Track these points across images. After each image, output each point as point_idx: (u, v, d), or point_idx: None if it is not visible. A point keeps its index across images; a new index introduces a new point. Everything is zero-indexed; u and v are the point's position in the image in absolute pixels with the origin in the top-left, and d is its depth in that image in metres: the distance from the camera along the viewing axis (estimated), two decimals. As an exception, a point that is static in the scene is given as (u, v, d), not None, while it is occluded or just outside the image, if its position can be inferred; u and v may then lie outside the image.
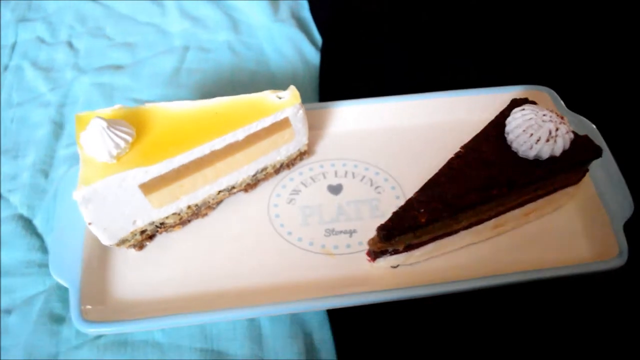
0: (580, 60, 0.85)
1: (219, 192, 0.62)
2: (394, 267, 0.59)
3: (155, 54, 0.85)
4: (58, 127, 0.75)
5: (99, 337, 0.57)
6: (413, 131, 0.71)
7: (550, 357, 0.56)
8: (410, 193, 0.63)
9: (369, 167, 0.67)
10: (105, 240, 0.57)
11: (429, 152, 0.68)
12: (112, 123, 0.52)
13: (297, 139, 0.64)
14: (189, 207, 0.61)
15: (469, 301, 0.58)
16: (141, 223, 0.58)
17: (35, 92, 0.80)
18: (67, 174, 0.63)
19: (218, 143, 0.56)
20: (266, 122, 0.58)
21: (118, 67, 0.83)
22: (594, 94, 0.78)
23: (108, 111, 0.57)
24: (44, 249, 0.64)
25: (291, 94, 0.60)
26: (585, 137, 0.58)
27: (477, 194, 0.54)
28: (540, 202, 0.60)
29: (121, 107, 0.57)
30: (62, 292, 0.60)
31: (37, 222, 0.66)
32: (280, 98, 0.59)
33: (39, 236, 0.65)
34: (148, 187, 0.55)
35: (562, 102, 0.70)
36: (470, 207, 0.54)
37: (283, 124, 0.61)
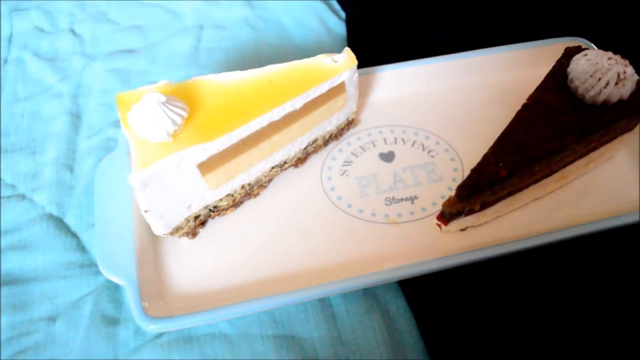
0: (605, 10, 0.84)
1: (272, 168, 0.59)
2: (463, 229, 0.57)
3: (168, 35, 0.80)
4: (76, 119, 0.70)
5: (160, 335, 0.52)
6: (455, 92, 0.69)
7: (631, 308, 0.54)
8: (464, 154, 0.62)
9: (418, 132, 0.65)
10: (160, 229, 0.53)
11: (476, 112, 0.67)
12: (167, 99, 0.48)
13: (348, 105, 0.61)
14: (242, 187, 0.57)
15: (542, 256, 0.56)
16: (196, 207, 0.54)
17: (43, 84, 0.74)
18: (101, 165, 0.59)
19: (277, 113, 0.53)
20: (324, 87, 0.55)
21: (131, 51, 0.78)
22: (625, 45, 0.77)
23: (152, 88, 0.52)
24: (82, 248, 0.59)
25: (347, 56, 0.57)
26: (644, 80, 0.57)
27: (552, 143, 0.52)
28: (600, 150, 0.59)
29: (166, 83, 0.53)
30: (112, 292, 0.55)
31: (69, 220, 0.61)
32: (335, 61, 0.56)
33: (74, 235, 0.60)
34: (206, 166, 0.51)
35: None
36: (547, 157, 0.52)
37: (339, 89, 0.57)
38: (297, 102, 0.54)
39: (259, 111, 0.52)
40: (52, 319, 0.53)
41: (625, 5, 0.84)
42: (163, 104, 0.47)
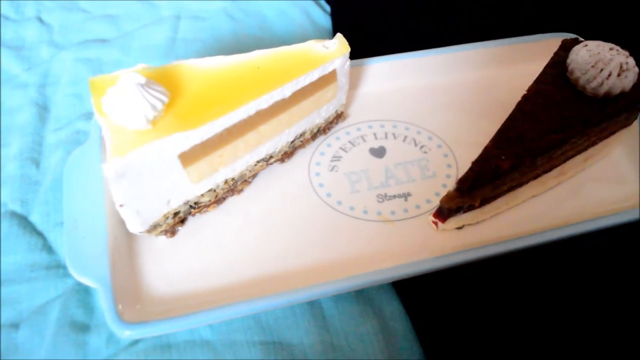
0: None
1: (257, 162, 0.55)
2: (459, 228, 0.54)
3: (142, 26, 0.76)
4: (42, 110, 0.65)
5: (135, 342, 0.48)
6: (446, 87, 0.67)
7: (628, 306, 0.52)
8: (457, 150, 0.60)
9: (409, 127, 0.62)
10: (136, 227, 0.48)
11: (468, 107, 0.65)
12: (146, 81, 0.44)
13: (338, 97, 0.57)
14: (225, 181, 0.53)
15: (540, 255, 0.54)
16: (175, 203, 0.50)
17: (7, 73, 0.69)
18: (70, 159, 0.54)
19: (265, 101, 0.49)
20: (314, 75, 0.52)
21: (103, 41, 0.73)
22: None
23: (133, 73, 0.48)
24: (48, 248, 0.54)
25: (339, 43, 0.54)
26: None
27: (556, 135, 0.50)
28: (598, 146, 0.57)
29: (145, 66, 0.48)
30: (81, 296, 0.51)
31: (35, 218, 0.56)
32: (327, 48, 0.53)
33: (39, 234, 0.55)
34: (187, 157, 0.47)
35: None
36: (551, 149, 0.50)
37: (329, 78, 0.54)
38: (287, 90, 0.50)
39: (245, 98, 0.48)
40: (14, 326, 0.48)
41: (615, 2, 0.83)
42: (142, 86, 0.43)
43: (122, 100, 0.43)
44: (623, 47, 0.54)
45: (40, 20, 0.77)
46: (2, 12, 0.77)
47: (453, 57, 0.67)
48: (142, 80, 0.43)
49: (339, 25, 0.77)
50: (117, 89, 0.44)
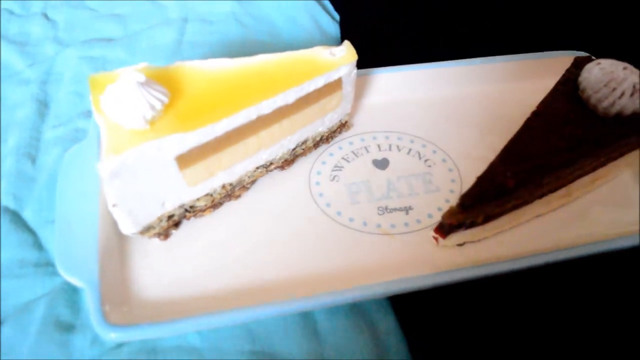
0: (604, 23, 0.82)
1: (257, 168, 0.54)
2: (460, 245, 0.52)
3: (150, 26, 0.76)
4: (42, 106, 0.64)
5: (120, 345, 0.46)
6: (453, 101, 0.66)
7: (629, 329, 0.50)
8: (462, 165, 0.59)
9: (414, 140, 0.61)
10: (129, 228, 0.47)
11: (475, 122, 0.64)
12: (146, 81, 0.43)
13: (342, 106, 0.56)
14: (223, 186, 0.52)
15: (541, 276, 0.52)
16: (170, 206, 0.49)
17: (10, 68, 0.69)
18: (67, 156, 0.53)
19: (267, 106, 0.48)
20: (319, 81, 0.50)
21: (109, 40, 0.73)
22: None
23: (133, 71, 0.47)
24: (39, 246, 0.53)
25: (347, 50, 0.53)
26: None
27: (565, 154, 0.48)
28: (607, 167, 0.55)
29: (147, 65, 0.48)
30: (69, 295, 0.49)
31: (27, 215, 0.55)
32: (334, 55, 0.52)
33: (31, 231, 0.54)
34: (185, 160, 0.46)
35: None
36: (559, 168, 0.48)
37: (334, 86, 0.53)
38: (290, 96, 0.49)
39: (247, 102, 0.47)
40: (-1, 322, 0.47)
41: (627, 21, 0.82)
42: (142, 85, 0.42)
43: (121, 99, 0.42)
44: (637, 67, 0.53)
45: (45, 16, 0.76)
46: (7, 7, 0.77)
47: (464, 71, 0.66)
48: (142, 79, 0.42)
49: (347, 34, 0.76)
50: (116, 87, 0.43)
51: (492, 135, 0.57)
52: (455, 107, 0.65)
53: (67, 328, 0.47)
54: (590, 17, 0.83)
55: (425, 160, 0.59)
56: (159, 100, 0.43)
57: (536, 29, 0.81)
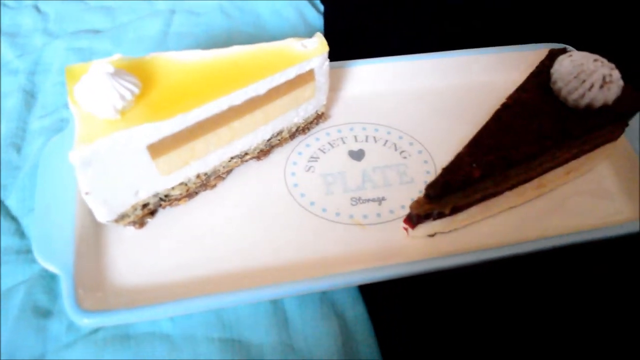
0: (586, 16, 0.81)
1: (231, 158, 0.54)
2: (431, 235, 0.53)
3: (137, 18, 0.77)
4: (29, 97, 0.66)
5: (95, 331, 0.48)
6: (431, 93, 0.66)
7: (597, 323, 0.51)
8: (438, 157, 0.59)
9: (391, 131, 0.61)
10: (103, 216, 0.48)
11: (452, 114, 0.64)
12: (116, 71, 0.44)
13: (317, 97, 0.57)
14: (197, 176, 0.53)
15: (513, 268, 0.53)
16: (144, 195, 0.50)
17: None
18: (49, 145, 0.54)
19: (238, 97, 0.49)
20: (290, 73, 0.51)
21: (96, 32, 0.74)
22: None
23: (104, 62, 0.48)
24: (21, 233, 0.54)
25: (318, 42, 0.53)
26: (630, 86, 0.53)
27: (531, 146, 0.49)
28: (581, 159, 0.56)
29: (121, 57, 0.49)
30: (47, 282, 0.51)
31: (11, 203, 0.56)
32: (305, 47, 0.52)
33: (13, 218, 0.55)
34: (157, 149, 0.47)
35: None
36: (525, 161, 0.48)
37: (307, 77, 0.53)
38: (261, 87, 0.50)
39: (218, 93, 0.48)
40: (-20, 308, 0.49)
41: (609, 13, 0.81)
42: (111, 75, 0.43)
43: (92, 89, 0.43)
44: (619, 60, 0.52)
45: (37, 8, 0.77)
46: (0, -1, 0.79)
47: (442, 63, 0.66)
48: (111, 69, 0.43)
49: (330, 26, 0.77)
50: (87, 78, 0.44)
51: (469, 128, 0.56)
52: (434, 99, 0.65)
53: (45, 314, 0.49)
54: (580, 11, 0.83)
55: (401, 152, 0.59)
56: (129, 90, 0.44)
57: (523, 23, 0.81)
